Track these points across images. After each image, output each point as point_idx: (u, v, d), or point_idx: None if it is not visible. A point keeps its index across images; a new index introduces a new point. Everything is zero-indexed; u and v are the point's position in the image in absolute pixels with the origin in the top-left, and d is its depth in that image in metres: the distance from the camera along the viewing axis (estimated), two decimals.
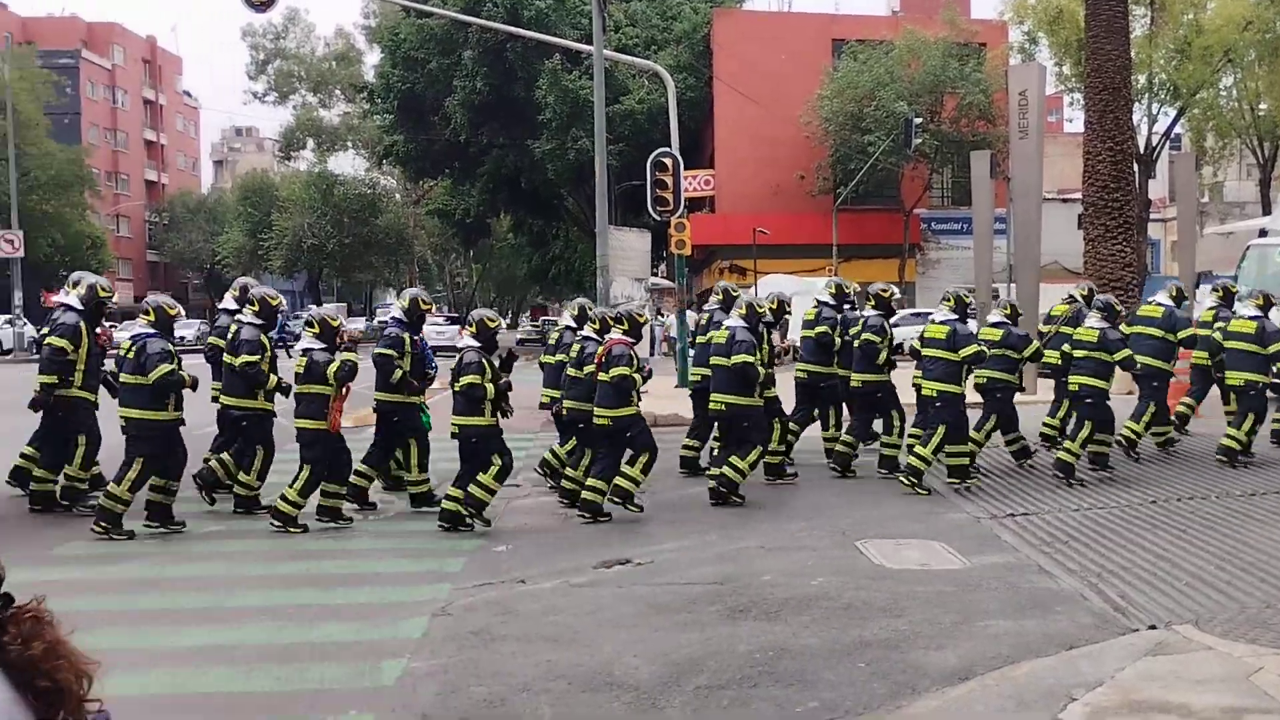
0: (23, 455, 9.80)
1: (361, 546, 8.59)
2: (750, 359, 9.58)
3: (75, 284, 9.55)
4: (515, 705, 5.07)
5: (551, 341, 11.24)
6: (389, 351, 9.64)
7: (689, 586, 7.06)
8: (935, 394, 10.25)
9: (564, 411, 9.95)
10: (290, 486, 8.78)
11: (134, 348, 8.63)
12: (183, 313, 9.75)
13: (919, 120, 33.64)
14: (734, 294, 11.14)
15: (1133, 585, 6.81)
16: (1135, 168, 22.06)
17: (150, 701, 5.16)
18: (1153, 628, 5.98)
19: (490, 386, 8.74)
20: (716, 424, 10.29)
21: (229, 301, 10.70)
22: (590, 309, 10.61)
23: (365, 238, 61.78)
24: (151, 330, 8.75)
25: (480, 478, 8.77)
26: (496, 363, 9.00)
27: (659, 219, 22.09)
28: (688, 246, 24.16)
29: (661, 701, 5.09)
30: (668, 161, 21.09)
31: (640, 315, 9.97)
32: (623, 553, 8.01)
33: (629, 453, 9.35)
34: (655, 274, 38.35)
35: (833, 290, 11.68)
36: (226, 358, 9.54)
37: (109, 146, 75.15)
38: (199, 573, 7.68)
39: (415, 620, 6.40)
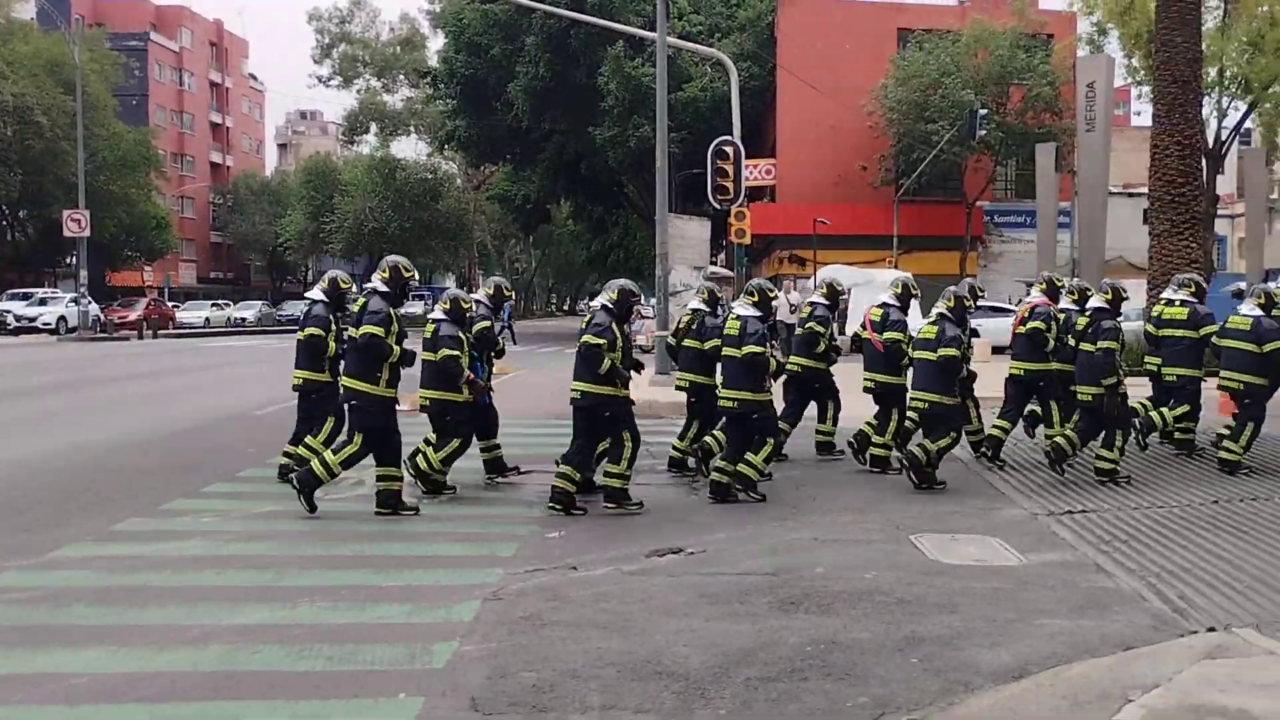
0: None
1: (415, 530, 8.66)
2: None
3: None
4: (564, 691, 5.08)
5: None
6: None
7: (742, 577, 7.04)
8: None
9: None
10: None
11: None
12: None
13: (984, 111, 33.26)
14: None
15: (1192, 586, 6.69)
16: (1203, 162, 21.53)
17: (203, 677, 5.23)
18: (1212, 630, 5.86)
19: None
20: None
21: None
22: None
23: (426, 222, 62.33)
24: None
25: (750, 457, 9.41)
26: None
27: (719, 207, 22.09)
28: (747, 236, 24.14)
29: (711, 692, 5.07)
30: (729, 150, 21.05)
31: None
32: (675, 541, 8.01)
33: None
34: (714, 262, 38.29)
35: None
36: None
37: (175, 128, 76.54)
38: (255, 552, 7.79)
39: (467, 604, 6.44)
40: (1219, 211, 40.07)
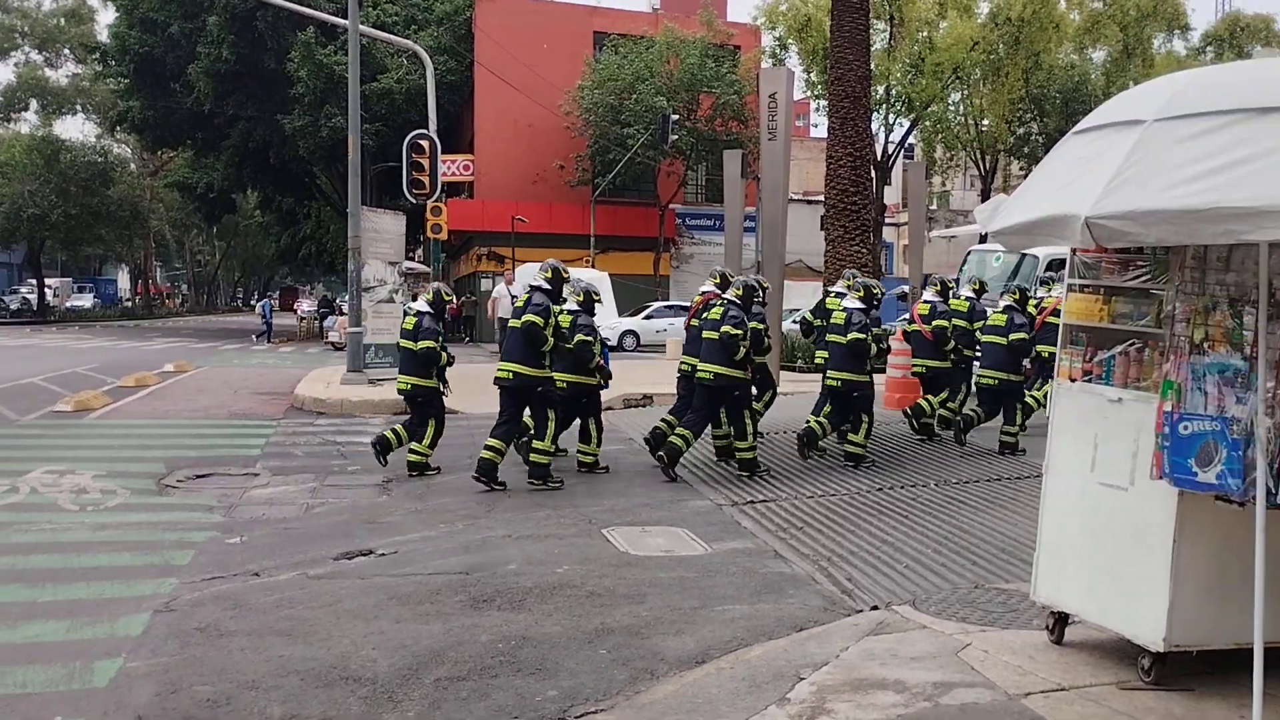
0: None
1: (78, 539, 7.99)
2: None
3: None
4: (241, 703, 4.83)
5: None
6: None
7: (433, 577, 6.94)
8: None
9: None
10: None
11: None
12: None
13: (676, 117, 34.37)
14: (730, 278, 11.36)
15: (859, 568, 7.18)
16: (873, 173, 23.25)
17: None
18: (875, 608, 6.31)
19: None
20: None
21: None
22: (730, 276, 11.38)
23: (95, 209, 57.49)
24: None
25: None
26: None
27: (415, 202, 21.72)
28: (444, 231, 23.92)
29: (399, 695, 4.96)
30: (425, 144, 20.75)
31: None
32: (365, 543, 7.81)
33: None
34: (410, 258, 37.68)
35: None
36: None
37: None
38: None
39: (135, 617, 6.01)
40: (886, 220, 43.39)
